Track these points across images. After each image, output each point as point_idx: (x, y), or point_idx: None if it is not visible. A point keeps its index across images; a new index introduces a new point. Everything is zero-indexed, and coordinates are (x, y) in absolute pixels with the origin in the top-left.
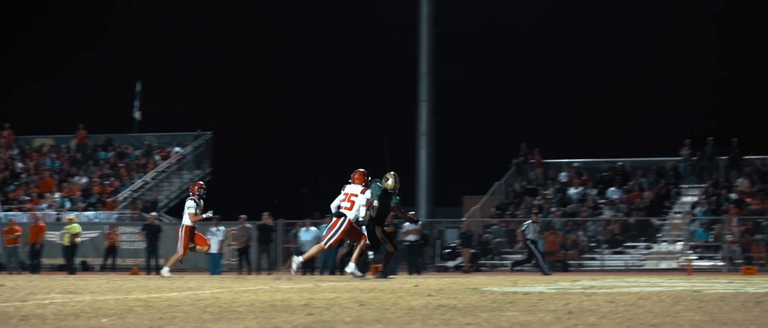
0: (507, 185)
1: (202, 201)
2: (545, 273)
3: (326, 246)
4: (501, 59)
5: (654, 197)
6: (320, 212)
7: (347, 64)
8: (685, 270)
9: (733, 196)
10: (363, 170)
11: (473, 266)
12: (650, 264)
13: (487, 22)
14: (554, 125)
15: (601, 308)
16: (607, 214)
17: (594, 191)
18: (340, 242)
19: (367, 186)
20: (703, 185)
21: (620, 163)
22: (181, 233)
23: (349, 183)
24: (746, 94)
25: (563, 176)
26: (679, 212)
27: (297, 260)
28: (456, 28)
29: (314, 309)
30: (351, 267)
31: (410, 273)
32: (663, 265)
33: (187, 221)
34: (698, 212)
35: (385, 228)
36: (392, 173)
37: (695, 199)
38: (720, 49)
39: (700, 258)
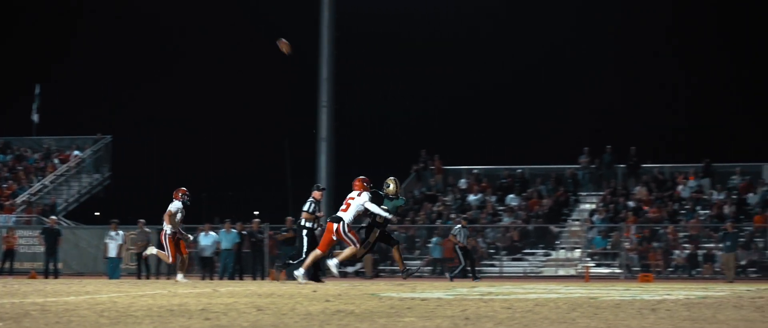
0: (407, 191)
1: (184, 208)
2: (476, 278)
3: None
4: (402, 65)
5: (553, 204)
6: (219, 217)
7: (247, 69)
8: (583, 277)
9: (631, 204)
10: (363, 177)
11: (374, 272)
12: (548, 271)
13: (389, 27)
14: (454, 132)
15: (498, 315)
16: (506, 221)
17: (493, 198)
18: (332, 246)
19: (367, 192)
20: (602, 193)
21: (520, 170)
22: (165, 241)
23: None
24: (644, 103)
25: (463, 183)
26: (577, 220)
27: (298, 273)
28: (356, 33)
29: (211, 314)
30: (333, 262)
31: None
32: (561, 272)
33: (167, 227)
34: (596, 219)
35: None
36: (392, 178)
37: (593, 206)
38: (618, 57)
39: (598, 265)
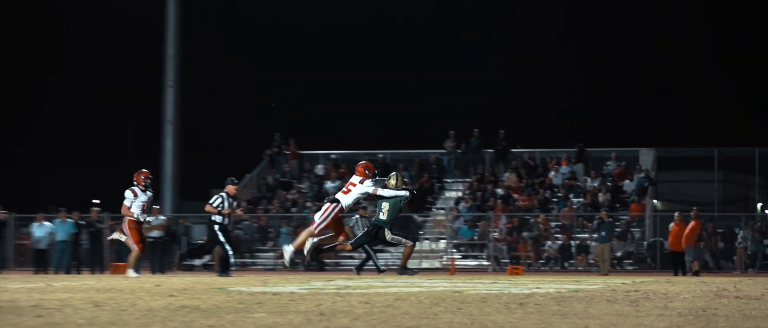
0: (259, 177)
1: (147, 194)
2: (380, 271)
3: (316, 230)
4: (252, 44)
5: (416, 192)
6: (55, 206)
7: (88, 50)
8: (448, 270)
9: (500, 191)
10: (366, 162)
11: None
12: (412, 263)
13: (240, 4)
14: (311, 114)
15: (355, 310)
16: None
17: None
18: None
19: (370, 179)
20: (468, 180)
21: (381, 155)
22: (126, 229)
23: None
24: (513, 84)
25: (320, 169)
26: (442, 208)
27: (288, 249)
28: (205, 10)
29: (44, 310)
30: (289, 249)
31: (153, 272)
32: (425, 264)
33: (127, 217)
34: (462, 208)
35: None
36: (394, 173)
37: (459, 194)
38: (485, 36)
39: (464, 257)
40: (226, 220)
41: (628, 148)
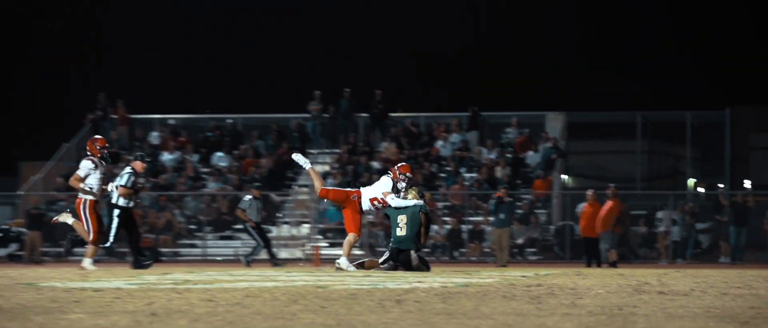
0: (79, 147)
1: (104, 164)
2: (276, 263)
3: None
4: None
5: (274, 165)
6: None
7: None
8: (312, 260)
9: (376, 164)
10: (404, 164)
11: (33, 256)
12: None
13: None
14: (143, 71)
15: (196, 309)
16: (213, 187)
17: (195, 157)
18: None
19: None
20: (337, 151)
21: (230, 120)
22: (86, 213)
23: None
24: (391, 35)
25: (155, 137)
26: (305, 186)
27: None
28: None
29: None
30: (343, 262)
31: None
32: (284, 254)
33: (87, 196)
34: (331, 185)
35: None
36: (414, 186)
37: (327, 168)
38: None
39: (332, 245)
40: (132, 203)
41: (532, 112)
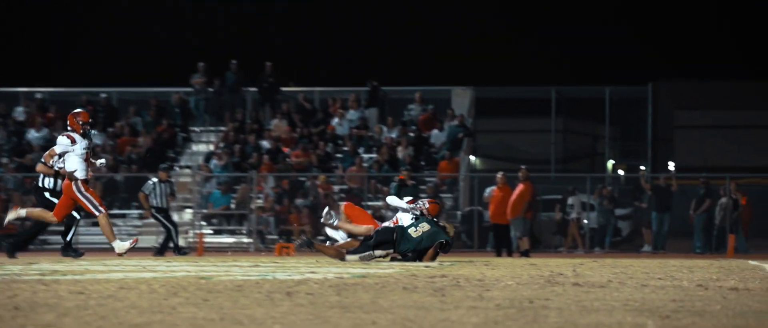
0: None
1: (87, 141)
2: (180, 252)
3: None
4: None
5: (152, 144)
6: None
7: None
8: (196, 249)
9: (266, 144)
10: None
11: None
12: (148, 240)
13: None
14: (7, 41)
15: (64, 302)
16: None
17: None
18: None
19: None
20: (223, 129)
21: (104, 94)
22: (81, 193)
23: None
24: (281, 5)
25: (20, 112)
26: (188, 167)
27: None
28: None
29: None
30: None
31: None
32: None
33: (77, 171)
34: (215, 166)
35: None
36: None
37: (211, 148)
38: None
39: (218, 232)
40: (61, 183)
41: (438, 87)
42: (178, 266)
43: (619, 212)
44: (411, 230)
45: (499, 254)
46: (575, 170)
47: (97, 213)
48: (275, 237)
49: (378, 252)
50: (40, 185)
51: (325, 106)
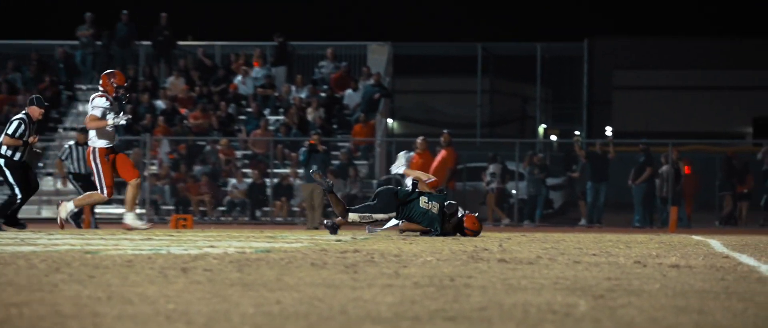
0: None
1: (120, 104)
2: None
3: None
4: None
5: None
6: None
7: None
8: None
9: (160, 104)
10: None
11: None
12: (30, 210)
13: None
14: None
15: None
16: None
17: None
18: None
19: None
20: None
21: None
22: (96, 162)
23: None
24: None
25: None
26: (72, 129)
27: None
28: None
29: None
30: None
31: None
32: (45, 213)
33: (97, 141)
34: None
35: None
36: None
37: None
38: None
39: (107, 203)
40: (20, 154)
41: (352, 42)
42: (61, 238)
43: (550, 181)
44: (422, 202)
45: None
46: (503, 134)
47: (101, 192)
48: (171, 208)
49: (378, 216)
50: (3, 153)
51: (227, 62)
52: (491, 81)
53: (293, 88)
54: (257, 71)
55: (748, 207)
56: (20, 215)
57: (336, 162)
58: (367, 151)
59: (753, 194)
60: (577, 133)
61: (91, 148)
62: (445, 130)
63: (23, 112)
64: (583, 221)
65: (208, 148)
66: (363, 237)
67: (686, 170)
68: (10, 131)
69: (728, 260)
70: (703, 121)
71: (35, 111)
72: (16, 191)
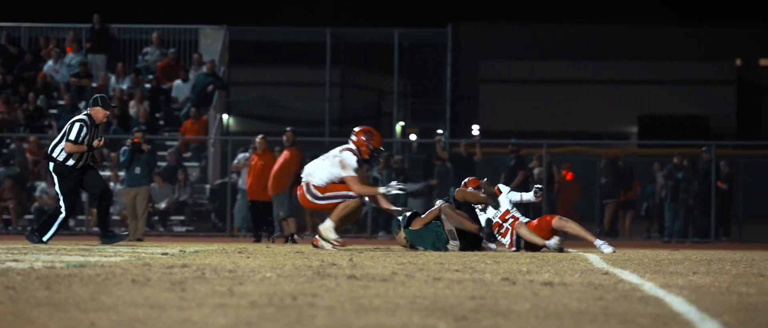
0: None
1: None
2: None
3: None
4: None
5: None
6: None
7: None
8: None
9: None
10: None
11: None
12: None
13: None
14: None
15: None
16: None
17: None
18: None
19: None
20: None
21: None
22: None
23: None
24: None
25: None
26: None
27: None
28: None
29: None
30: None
31: None
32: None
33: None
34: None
35: None
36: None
37: None
38: None
39: None
40: (75, 160)
41: (182, 25)
42: None
43: (409, 187)
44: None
45: (257, 239)
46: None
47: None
48: None
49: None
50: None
51: (36, 47)
52: (342, 72)
53: (113, 77)
54: (71, 58)
55: (632, 217)
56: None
57: (163, 163)
58: (198, 152)
59: (638, 202)
60: (439, 132)
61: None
62: (289, 128)
63: (84, 113)
64: None
65: (13, 146)
66: (193, 250)
67: (568, 176)
68: (72, 136)
69: (608, 277)
70: (581, 119)
71: (99, 113)
72: (61, 202)
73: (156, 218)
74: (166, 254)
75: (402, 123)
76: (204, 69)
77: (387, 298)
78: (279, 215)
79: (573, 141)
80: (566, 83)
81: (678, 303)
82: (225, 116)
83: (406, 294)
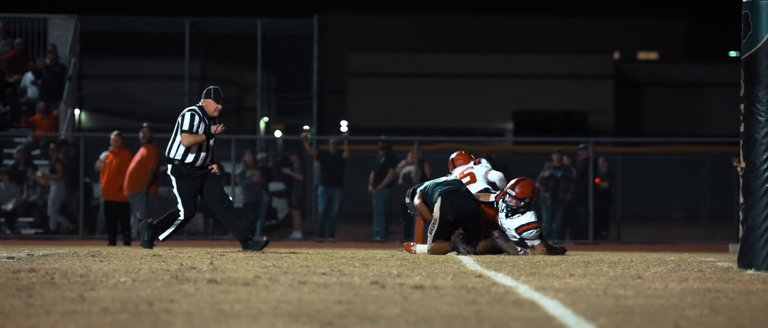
0: None
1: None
2: None
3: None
4: None
5: None
6: None
7: None
8: None
9: None
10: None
11: None
12: None
13: None
14: None
15: None
16: None
17: None
18: None
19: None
20: None
21: None
22: None
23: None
24: None
25: None
26: None
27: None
28: None
29: None
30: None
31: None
32: None
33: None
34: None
35: None
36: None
37: None
38: None
39: None
40: (194, 157)
41: (28, 14)
42: None
43: (273, 187)
44: None
45: (112, 242)
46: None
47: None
48: None
49: None
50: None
51: None
52: (202, 65)
53: None
54: None
55: None
56: None
57: (10, 162)
58: (47, 149)
59: None
60: (305, 128)
61: None
62: (146, 124)
63: (197, 104)
64: (297, 235)
65: None
66: (43, 254)
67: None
68: (185, 126)
69: (482, 280)
70: (454, 115)
71: (211, 105)
72: (179, 206)
73: (2, 219)
74: (12, 257)
75: (266, 119)
76: (48, 59)
77: (249, 303)
78: (136, 217)
79: (446, 138)
80: (438, 77)
81: (553, 306)
82: (77, 111)
83: (269, 299)
